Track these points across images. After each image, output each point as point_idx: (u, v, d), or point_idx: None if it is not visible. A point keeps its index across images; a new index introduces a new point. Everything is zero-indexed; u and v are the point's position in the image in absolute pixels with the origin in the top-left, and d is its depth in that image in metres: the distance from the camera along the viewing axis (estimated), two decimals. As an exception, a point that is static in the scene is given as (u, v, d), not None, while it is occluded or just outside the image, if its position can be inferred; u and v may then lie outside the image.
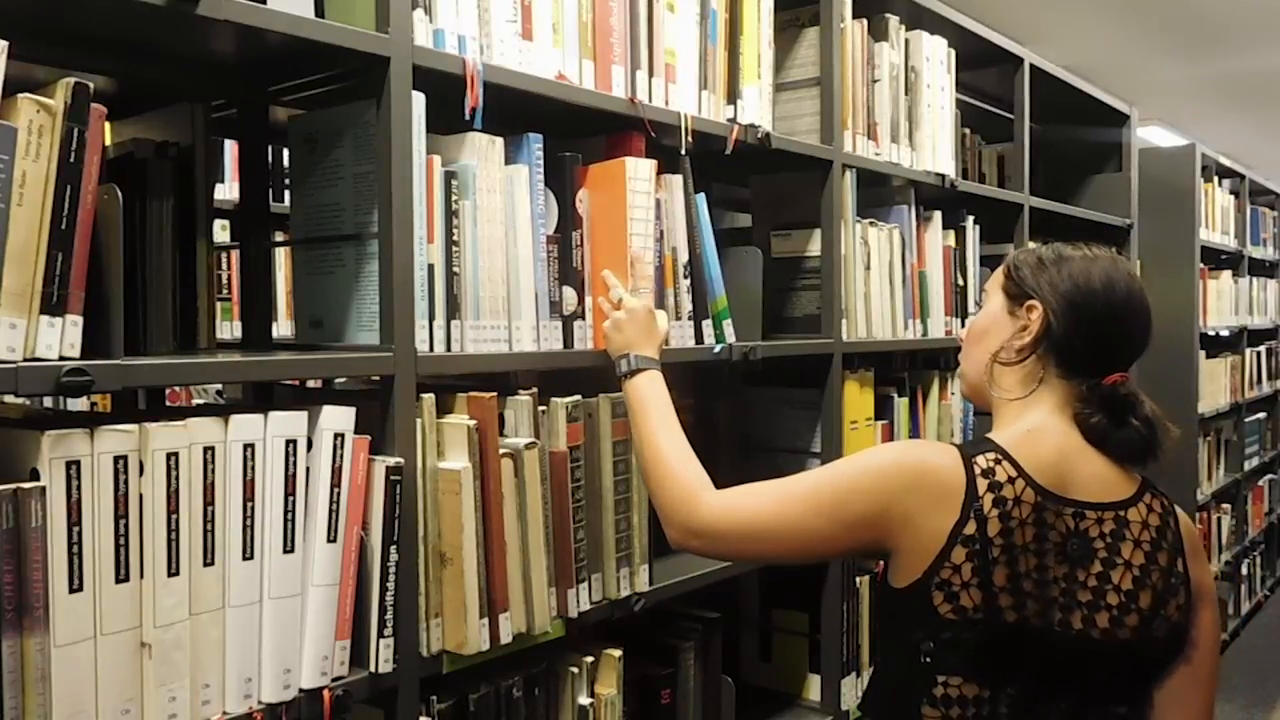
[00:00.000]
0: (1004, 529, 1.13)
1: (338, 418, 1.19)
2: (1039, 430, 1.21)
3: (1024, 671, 1.16)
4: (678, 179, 1.66)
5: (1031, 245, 1.35)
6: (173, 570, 1.05)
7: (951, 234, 2.50)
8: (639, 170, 1.55)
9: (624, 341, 1.49)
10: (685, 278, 1.68)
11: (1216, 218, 4.63)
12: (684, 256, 1.68)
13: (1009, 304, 1.29)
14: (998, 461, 1.16)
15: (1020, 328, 1.25)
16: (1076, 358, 1.23)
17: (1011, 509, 1.14)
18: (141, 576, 1.03)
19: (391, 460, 1.24)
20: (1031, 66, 2.89)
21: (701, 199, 1.71)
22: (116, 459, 1.01)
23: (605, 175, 1.56)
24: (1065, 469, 1.18)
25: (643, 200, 1.57)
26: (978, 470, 1.15)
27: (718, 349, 1.73)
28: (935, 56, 2.39)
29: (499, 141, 1.41)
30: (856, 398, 2.08)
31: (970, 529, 1.13)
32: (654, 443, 1.36)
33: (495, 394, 1.36)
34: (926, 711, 1.17)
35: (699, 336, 1.71)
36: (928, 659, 1.16)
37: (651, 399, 1.41)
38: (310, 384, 1.67)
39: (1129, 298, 1.24)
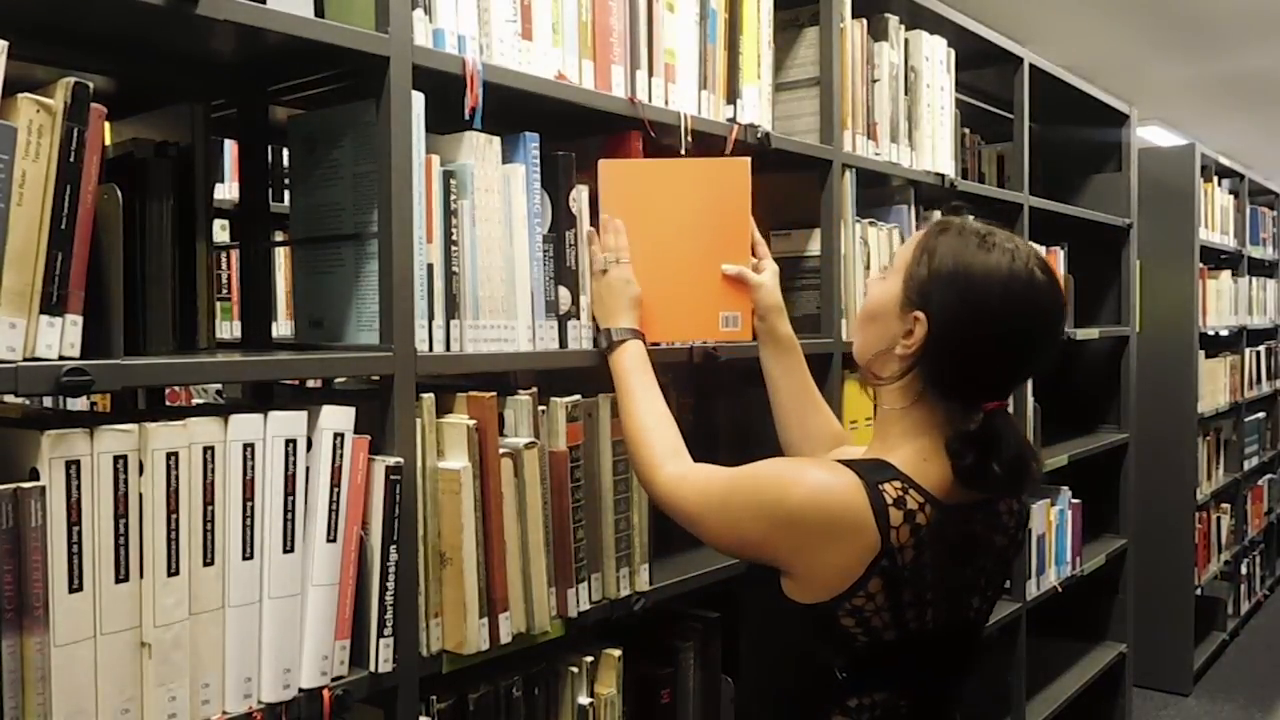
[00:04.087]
0: (916, 554, 1.13)
1: (337, 417, 1.19)
2: (931, 454, 1.17)
3: (930, 669, 1.22)
4: None
5: (962, 225, 1.20)
6: (173, 570, 1.05)
7: (951, 234, 2.49)
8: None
9: (604, 314, 1.52)
10: None
11: (1216, 217, 4.63)
12: None
13: (903, 299, 1.19)
14: (905, 490, 1.13)
15: (905, 332, 1.18)
16: (953, 385, 1.18)
17: (924, 534, 1.13)
18: (141, 576, 1.03)
19: (391, 460, 1.24)
20: (1031, 66, 2.89)
21: None
22: (116, 459, 1.01)
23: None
24: (954, 479, 1.17)
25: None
26: (888, 500, 1.12)
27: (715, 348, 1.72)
28: (935, 56, 2.39)
29: (496, 141, 1.41)
30: (856, 398, 2.08)
31: (886, 560, 1.12)
32: (628, 408, 1.42)
33: (495, 394, 1.36)
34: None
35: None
36: (843, 674, 1.17)
37: (626, 368, 1.45)
38: (310, 384, 1.67)
39: (1030, 324, 1.16)
